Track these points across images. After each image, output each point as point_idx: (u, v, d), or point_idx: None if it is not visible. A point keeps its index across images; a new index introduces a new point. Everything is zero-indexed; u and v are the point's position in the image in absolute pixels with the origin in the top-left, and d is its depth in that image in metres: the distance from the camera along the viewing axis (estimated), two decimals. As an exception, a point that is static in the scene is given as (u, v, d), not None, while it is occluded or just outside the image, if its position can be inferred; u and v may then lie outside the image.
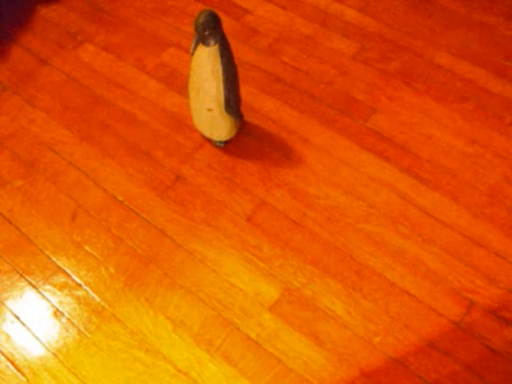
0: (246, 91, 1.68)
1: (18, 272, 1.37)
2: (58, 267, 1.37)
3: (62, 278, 1.35)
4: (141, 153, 1.56)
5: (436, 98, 1.66)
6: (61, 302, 1.32)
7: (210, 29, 1.27)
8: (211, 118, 1.44)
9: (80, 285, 1.34)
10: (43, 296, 1.33)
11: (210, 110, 1.41)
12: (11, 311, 1.31)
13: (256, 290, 1.32)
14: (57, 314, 1.30)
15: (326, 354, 1.22)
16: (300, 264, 1.35)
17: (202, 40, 1.29)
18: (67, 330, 1.28)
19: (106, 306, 1.31)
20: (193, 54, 1.34)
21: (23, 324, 1.29)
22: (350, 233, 1.40)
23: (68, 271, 1.36)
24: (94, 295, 1.32)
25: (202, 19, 1.26)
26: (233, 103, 1.41)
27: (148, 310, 1.30)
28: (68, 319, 1.29)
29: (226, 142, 1.56)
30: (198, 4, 1.95)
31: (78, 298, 1.32)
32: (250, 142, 1.57)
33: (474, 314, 1.27)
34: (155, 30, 1.88)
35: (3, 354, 1.25)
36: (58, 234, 1.42)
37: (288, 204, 1.45)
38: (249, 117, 1.63)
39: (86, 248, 1.39)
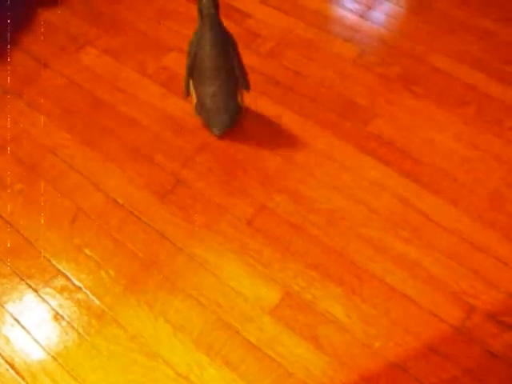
0: (246, 95, 1.69)
1: (18, 275, 1.37)
2: (58, 270, 1.37)
3: (61, 281, 1.35)
4: (141, 156, 1.56)
5: (436, 103, 1.66)
6: (61, 306, 1.32)
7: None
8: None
9: (80, 288, 1.34)
10: (43, 299, 1.33)
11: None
12: (11, 314, 1.31)
13: (256, 294, 1.32)
14: (57, 317, 1.30)
15: (326, 358, 1.22)
16: (300, 268, 1.35)
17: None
18: (67, 334, 1.27)
19: (106, 310, 1.31)
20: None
21: (23, 327, 1.29)
22: (351, 237, 1.40)
23: (68, 274, 1.36)
24: (93, 298, 1.32)
25: None
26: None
27: (148, 314, 1.30)
28: (68, 322, 1.29)
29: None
30: (198, 8, 1.95)
31: (77, 302, 1.32)
32: (250, 145, 1.57)
33: (475, 319, 1.26)
34: (156, 33, 1.88)
35: (3, 358, 1.25)
36: (59, 237, 1.42)
37: (288, 208, 1.45)
38: (249, 120, 1.63)
39: (86, 251, 1.39)
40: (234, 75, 1.42)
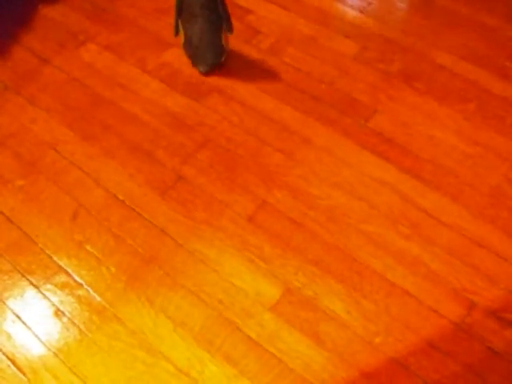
0: (247, 91, 1.68)
1: (19, 271, 1.37)
2: (59, 267, 1.37)
3: (63, 278, 1.35)
4: (142, 152, 1.56)
5: (437, 99, 1.66)
6: (62, 302, 1.32)
7: None
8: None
9: (81, 284, 1.34)
10: (44, 295, 1.33)
11: None
12: (12, 311, 1.31)
13: (257, 290, 1.32)
14: (58, 313, 1.30)
15: (327, 354, 1.23)
16: (301, 264, 1.35)
17: None
18: (68, 330, 1.28)
19: (107, 306, 1.31)
20: None
21: (24, 323, 1.29)
22: (351, 233, 1.40)
23: (69, 271, 1.36)
24: (94, 295, 1.32)
25: None
26: None
27: (149, 310, 1.30)
28: (69, 319, 1.29)
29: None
30: (199, 4, 1.95)
31: (78, 298, 1.32)
32: (251, 142, 1.57)
33: (475, 315, 1.27)
34: (157, 29, 1.88)
35: (4, 354, 1.25)
36: (59, 233, 1.42)
37: (289, 204, 1.45)
38: (250, 117, 1.63)
39: (87, 247, 1.40)
40: (218, 16, 1.56)
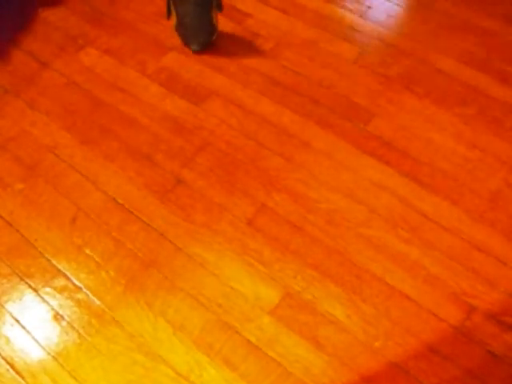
0: (246, 95, 1.69)
1: (17, 275, 1.36)
2: (58, 270, 1.37)
3: (62, 281, 1.35)
4: (141, 156, 1.56)
5: (436, 103, 1.66)
6: (61, 306, 1.32)
7: None
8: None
9: (80, 288, 1.34)
10: (43, 299, 1.33)
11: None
12: (11, 314, 1.31)
13: (256, 294, 1.31)
14: (57, 317, 1.30)
15: (326, 358, 1.22)
16: (300, 268, 1.35)
17: None
18: (67, 334, 1.27)
19: (106, 310, 1.30)
20: None
21: (23, 327, 1.29)
22: (351, 237, 1.40)
23: (68, 274, 1.36)
24: (93, 298, 1.32)
25: None
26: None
27: (148, 314, 1.29)
28: (68, 322, 1.29)
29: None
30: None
31: (78, 302, 1.32)
32: (250, 145, 1.57)
33: (475, 319, 1.26)
34: (156, 33, 1.88)
35: (3, 358, 1.25)
36: (59, 236, 1.42)
37: (288, 208, 1.45)
38: (249, 120, 1.63)
39: (87, 251, 1.39)
40: None
